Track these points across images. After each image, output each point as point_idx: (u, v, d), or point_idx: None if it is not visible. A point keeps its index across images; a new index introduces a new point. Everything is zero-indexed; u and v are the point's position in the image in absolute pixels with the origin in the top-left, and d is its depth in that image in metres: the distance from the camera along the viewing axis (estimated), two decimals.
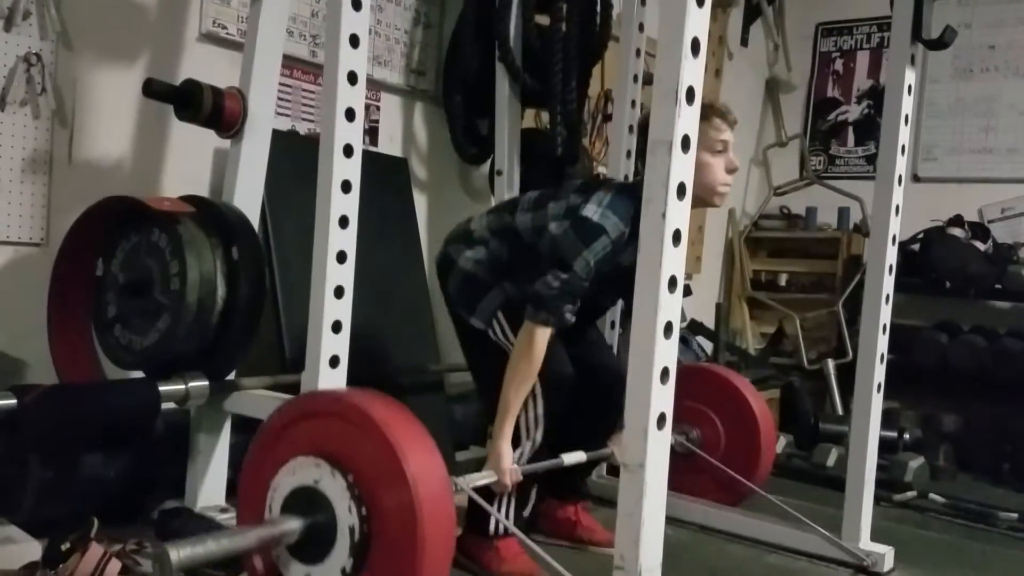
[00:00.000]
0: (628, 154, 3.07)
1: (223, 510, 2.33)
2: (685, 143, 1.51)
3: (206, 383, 2.22)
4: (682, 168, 1.52)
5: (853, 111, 5.31)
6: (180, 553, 1.38)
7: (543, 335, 2.07)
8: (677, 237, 1.55)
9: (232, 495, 2.38)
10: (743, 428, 2.81)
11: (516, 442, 2.18)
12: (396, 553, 1.50)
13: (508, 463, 2.10)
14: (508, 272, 2.27)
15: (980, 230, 4.57)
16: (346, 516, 1.53)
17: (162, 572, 1.36)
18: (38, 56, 2.32)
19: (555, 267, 2.06)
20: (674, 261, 1.55)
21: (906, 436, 3.83)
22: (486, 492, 2.14)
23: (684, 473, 2.71)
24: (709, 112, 2.14)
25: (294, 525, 1.56)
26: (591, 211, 2.07)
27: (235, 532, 1.55)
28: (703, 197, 2.18)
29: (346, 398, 1.67)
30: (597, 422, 2.44)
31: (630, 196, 2.09)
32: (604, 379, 2.36)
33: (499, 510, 2.18)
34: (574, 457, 2.28)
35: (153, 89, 2.30)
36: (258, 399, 2.27)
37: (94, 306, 2.33)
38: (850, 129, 5.31)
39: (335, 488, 1.54)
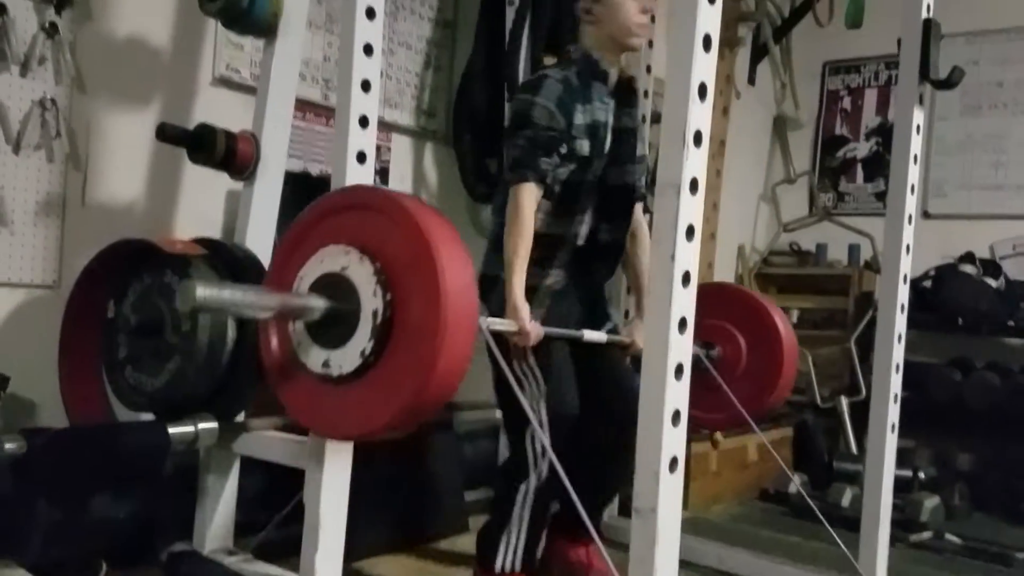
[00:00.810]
0: None
1: (231, 552, 2.32)
2: (693, 185, 1.52)
3: (215, 425, 2.21)
4: (690, 210, 1.52)
5: (862, 148, 5.32)
6: (205, 291, 1.40)
7: (525, 193, 2.11)
8: (687, 278, 1.54)
9: (240, 536, 2.37)
10: (766, 346, 2.74)
11: (523, 474, 2.16)
12: (417, 339, 1.50)
13: (527, 315, 2.09)
14: None
15: (991, 267, 4.55)
16: (370, 300, 1.54)
17: (183, 302, 1.39)
18: (53, 101, 2.35)
19: (517, 129, 2.13)
20: (684, 303, 1.55)
21: (921, 475, 3.79)
22: (506, 480, 2.20)
23: (700, 389, 2.62)
24: None
25: (319, 303, 1.57)
26: (531, 77, 2.22)
27: (261, 289, 1.55)
28: (618, 40, 2.25)
29: (382, 192, 1.70)
30: (608, 459, 2.40)
31: (567, 62, 2.25)
32: (616, 410, 2.34)
33: (507, 550, 2.17)
34: (595, 335, 2.27)
35: (166, 133, 2.33)
36: (267, 440, 2.26)
37: (105, 347, 2.34)
38: (859, 166, 5.32)
39: (362, 274, 1.55)
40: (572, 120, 2.15)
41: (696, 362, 2.59)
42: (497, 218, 2.33)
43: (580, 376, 2.29)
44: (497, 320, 2.07)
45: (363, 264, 1.55)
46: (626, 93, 2.37)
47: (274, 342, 1.69)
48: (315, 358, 1.61)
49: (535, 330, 2.09)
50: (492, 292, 2.22)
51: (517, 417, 2.16)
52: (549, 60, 3.21)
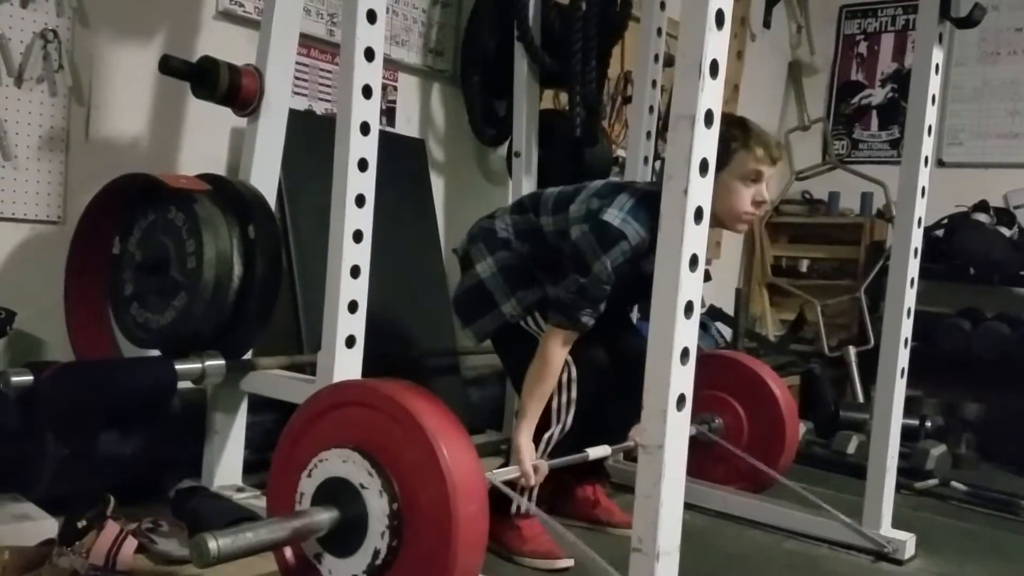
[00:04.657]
0: (648, 135, 3.03)
1: (239, 489, 2.33)
2: (708, 118, 1.47)
3: (222, 362, 2.21)
4: (705, 143, 1.48)
5: (877, 95, 5.23)
6: (220, 545, 1.37)
7: (560, 339, 2.07)
8: (699, 215, 1.51)
9: (248, 474, 2.39)
10: (766, 416, 2.78)
11: (546, 426, 2.16)
12: (428, 557, 1.49)
13: (530, 457, 2.09)
14: (526, 277, 2.25)
15: (1005, 216, 4.50)
16: (375, 539, 1.51)
17: (200, 560, 1.37)
18: (55, 32, 2.31)
19: (575, 271, 2.06)
20: (696, 239, 1.51)
21: (928, 424, 3.78)
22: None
23: (707, 461, 2.69)
24: (754, 142, 2.11)
25: (324, 517, 1.54)
26: (612, 216, 2.05)
27: (271, 523, 1.53)
28: (723, 220, 2.18)
29: (382, 389, 1.61)
30: (627, 407, 2.41)
31: (654, 202, 2.07)
32: (632, 362, 2.33)
33: (522, 494, 2.17)
34: (599, 451, 2.26)
35: (170, 66, 2.29)
36: (274, 379, 2.26)
37: (111, 284, 2.33)
38: (874, 113, 5.23)
39: (376, 507, 1.52)
40: (620, 274, 2.07)
41: (701, 437, 2.69)
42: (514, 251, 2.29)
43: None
44: (502, 472, 2.05)
45: (382, 500, 1.50)
46: None
47: (288, 553, 1.67)
48: (315, 556, 1.59)
49: (540, 469, 2.09)
50: (490, 312, 2.25)
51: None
52: None
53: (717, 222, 2.14)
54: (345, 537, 1.55)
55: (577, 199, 2.19)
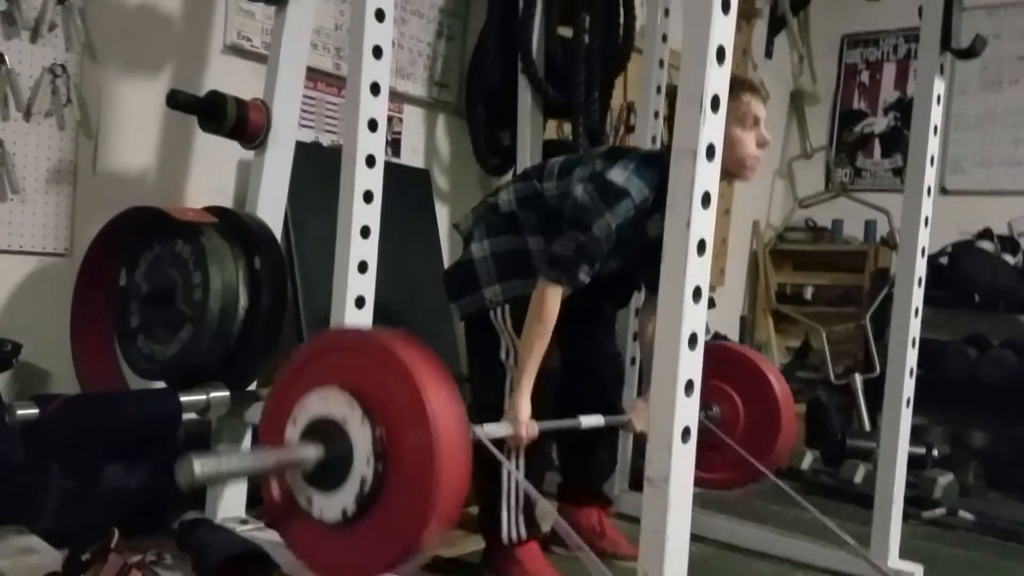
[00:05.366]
0: None
1: (243, 521, 2.32)
2: (710, 152, 1.49)
3: (227, 394, 2.22)
4: (707, 177, 1.49)
5: (879, 123, 5.25)
6: (204, 467, 1.38)
7: (555, 293, 2.07)
8: (702, 247, 1.52)
9: (252, 507, 2.38)
10: (763, 407, 2.72)
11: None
12: (408, 504, 1.49)
13: (525, 416, 2.07)
14: (517, 268, 2.24)
15: (1010, 243, 4.50)
16: (362, 467, 1.50)
17: (183, 479, 1.38)
18: (63, 67, 2.34)
19: (574, 228, 2.05)
20: (699, 271, 1.52)
21: (934, 452, 3.76)
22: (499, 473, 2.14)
23: (701, 450, 2.64)
24: (740, 88, 2.11)
25: (312, 454, 1.54)
26: (616, 175, 2.05)
27: (257, 452, 1.54)
28: (732, 171, 2.17)
29: (357, 332, 1.66)
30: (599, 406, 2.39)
31: (657, 163, 2.09)
32: (599, 368, 2.39)
33: (509, 519, 2.16)
34: (592, 420, 2.23)
35: (177, 100, 2.32)
36: None
37: (117, 316, 2.34)
38: (876, 141, 5.26)
39: (361, 438, 1.51)
40: (622, 236, 2.08)
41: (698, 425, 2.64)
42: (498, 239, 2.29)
43: (564, 344, 2.26)
44: (494, 427, 2.03)
45: (364, 427, 1.51)
46: None
47: (275, 485, 1.67)
48: (305, 500, 1.59)
49: (531, 431, 2.07)
50: (471, 293, 2.25)
51: (496, 388, 2.18)
52: (564, 31, 3.18)
53: (727, 175, 2.14)
54: (332, 471, 1.54)
55: (582, 163, 2.20)
